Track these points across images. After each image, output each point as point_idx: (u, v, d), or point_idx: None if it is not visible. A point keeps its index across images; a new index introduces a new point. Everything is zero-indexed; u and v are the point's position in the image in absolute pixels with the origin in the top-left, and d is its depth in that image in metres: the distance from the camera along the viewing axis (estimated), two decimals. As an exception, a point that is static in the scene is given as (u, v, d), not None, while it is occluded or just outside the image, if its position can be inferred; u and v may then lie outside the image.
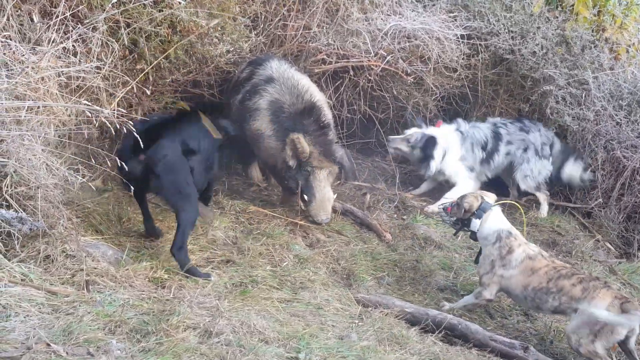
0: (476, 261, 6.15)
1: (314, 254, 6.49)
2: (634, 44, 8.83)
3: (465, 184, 8.06)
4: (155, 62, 6.50)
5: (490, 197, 6.23)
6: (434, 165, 8.06)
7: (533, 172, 8.29)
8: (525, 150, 8.26)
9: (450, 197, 7.60)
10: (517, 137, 8.28)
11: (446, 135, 8.15)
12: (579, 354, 5.53)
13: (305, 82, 7.20)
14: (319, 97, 7.19)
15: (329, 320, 5.30)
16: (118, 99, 6.06)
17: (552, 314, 5.87)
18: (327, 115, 7.14)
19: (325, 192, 6.90)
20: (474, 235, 6.12)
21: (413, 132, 8.16)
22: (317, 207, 6.88)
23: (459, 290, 6.47)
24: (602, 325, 5.38)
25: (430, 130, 8.15)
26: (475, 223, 6.02)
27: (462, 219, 6.12)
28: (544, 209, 8.38)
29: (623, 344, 5.53)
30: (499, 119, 8.48)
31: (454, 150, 8.15)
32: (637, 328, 5.44)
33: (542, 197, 8.40)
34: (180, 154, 5.71)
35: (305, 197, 6.92)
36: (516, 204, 6.93)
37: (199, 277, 5.48)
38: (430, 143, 8.03)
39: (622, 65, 8.62)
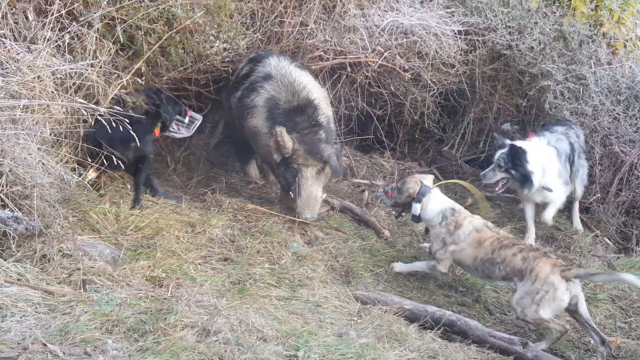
0: (424, 236, 6.52)
1: (312, 251, 6.47)
2: (631, 38, 8.82)
3: (560, 201, 7.56)
4: (148, 53, 6.45)
5: (429, 179, 6.51)
6: (536, 180, 7.23)
7: (585, 175, 7.92)
8: (579, 155, 7.81)
9: (548, 217, 7.49)
10: (577, 144, 7.77)
11: (540, 150, 7.37)
12: (528, 323, 5.77)
13: (303, 79, 7.17)
14: (317, 95, 7.16)
15: (328, 318, 5.28)
16: (111, 97, 6.04)
17: (503, 282, 6.10)
18: (324, 113, 7.10)
19: (311, 191, 6.87)
20: (415, 218, 6.36)
21: (499, 154, 7.32)
22: (302, 205, 6.87)
23: (457, 286, 6.46)
24: (542, 294, 5.57)
25: (519, 143, 7.40)
26: (416, 207, 6.26)
27: (403, 203, 6.40)
28: (579, 221, 8.08)
29: (575, 313, 5.72)
30: (561, 127, 7.82)
31: (553, 166, 7.41)
32: (581, 294, 5.66)
33: (577, 206, 8.09)
34: None
35: (291, 193, 6.95)
36: (460, 182, 6.89)
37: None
38: (517, 156, 7.22)
39: (619, 60, 8.61)
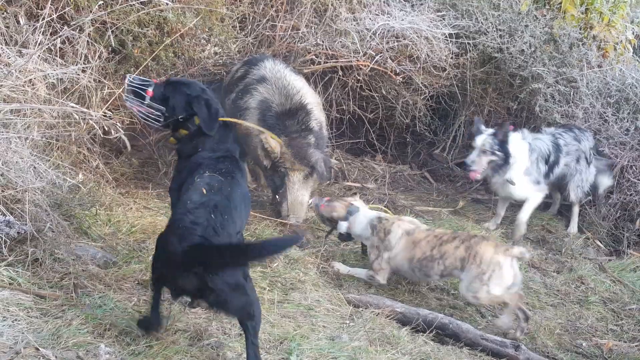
0: (363, 253, 6.49)
1: (304, 254, 6.47)
2: (621, 41, 8.86)
3: (536, 199, 7.70)
4: (144, 64, 6.47)
5: (359, 202, 6.55)
6: (512, 162, 7.39)
7: (583, 182, 7.95)
8: (578, 160, 7.85)
9: (523, 218, 7.59)
10: (573, 148, 7.81)
11: (514, 142, 7.48)
12: (482, 305, 6.06)
13: (298, 84, 7.18)
14: (310, 100, 7.16)
15: (320, 321, 5.29)
16: (108, 104, 6.04)
17: (440, 279, 6.19)
18: (316, 118, 7.09)
19: (297, 195, 6.88)
20: (342, 237, 6.46)
21: (483, 139, 7.37)
22: (288, 209, 6.89)
23: (449, 289, 6.46)
24: (490, 274, 5.72)
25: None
26: (342, 225, 6.33)
27: (330, 221, 6.47)
28: (575, 225, 8.13)
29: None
30: (554, 129, 7.93)
31: (522, 161, 7.52)
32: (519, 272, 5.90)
33: (577, 210, 8.14)
34: None
35: (277, 197, 6.98)
36: (385, 209, 6.89)
37: None
38: (503, 138, 7.33)
39: (610, 62, 8.65)
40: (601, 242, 7.98)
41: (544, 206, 8.30)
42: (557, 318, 6.15)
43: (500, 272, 5.73)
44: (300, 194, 6.90)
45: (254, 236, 6.50)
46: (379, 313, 5.52)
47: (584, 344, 5.87)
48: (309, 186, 6.97)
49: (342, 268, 6.35)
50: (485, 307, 6.29)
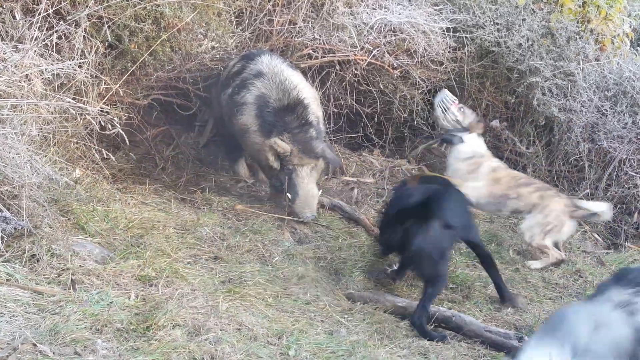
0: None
1: (303, 249, 6.47)
2: (618, 34, 8.83)
3: None
4: (141, 59, 6.46)
5: None
6: None
7: None
8: None
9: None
10: None
11: None
12: (530, 246, 6.94)
13: (295, 79, 7.16)
14: (307, 94, 7.15)
15: (318, 316, 5.29)
16: (105, 99, 6.03)
17: (509, 215, 7.35)
18: (314, 113, 7.09)
19: (308, 189, 6.88)
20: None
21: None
22: (301, 204, 6.86)
23: (447, 283, 6.45)
24: (552, 227, 6.81)
25: None
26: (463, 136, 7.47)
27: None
28: None
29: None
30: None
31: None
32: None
33: None
34: (441, 233, 5.65)
35: (289, 195, 6.90)
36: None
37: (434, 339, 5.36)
38: None
39: (607, 56, 8.62)
40: (599, 235, 7.97)
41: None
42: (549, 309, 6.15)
43: (561, 229, 6.84)
44: (310, 187, 6.91)
45: (252, 231, 6.49)
46: (377, 307, 5.52)
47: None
48: (315, 178, 6.98)
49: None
50: (484, 298, 6.30)
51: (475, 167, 7.22)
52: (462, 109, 7.57)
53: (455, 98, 7.77)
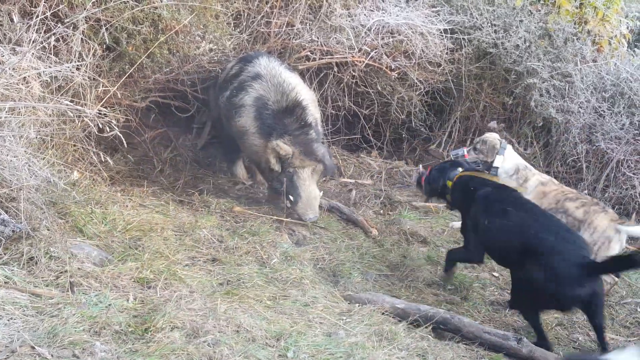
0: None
1: (301, 251, 6.46)
2: (615, 36, 8.86)
3: None
4: (139, 61, 6.46)
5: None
6: None
7: None
8: None
9: None
10: None
11: None
12: None
13: (293, 81, 7.17)
14: (306, 96, 7.15)
15: (317, 318, 5.28)
16: (103, 102, 6.03)
17: None
18: (312, 114, 7.10)
19: (310, 191, 6.88)
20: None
21: None
22: (304, 206, 6.86)
23: (445, 284, 6.47)
24: (599, 245, 6.39)
25: None
26: (499, 159, 7.16)
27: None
28: None
29: None
30: None
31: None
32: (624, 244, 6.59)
33: None
34: None
35: (291, 197, 6.89)
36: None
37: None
38: None
39: (604, 57, 8.66)
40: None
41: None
42: (554, 312, 6.14)
43: (608, 246, 6.41)
44: (312, 189, 6.92)
45: (250, 233, 6.50)
46: (375, 309, 5.52)
47: (580, 338, 5.88)
48: (315, 180, 6.99)
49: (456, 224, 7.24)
50: (483, 300, 6.31)
51: (522, 181, 7.08)
52: (473, 150, 7.35)
53: (461, 148, 7.71)
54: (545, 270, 5.32)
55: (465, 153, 7.25)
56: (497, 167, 7.06)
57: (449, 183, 6.34)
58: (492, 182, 6.19)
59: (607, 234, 6.41)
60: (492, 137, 7.24)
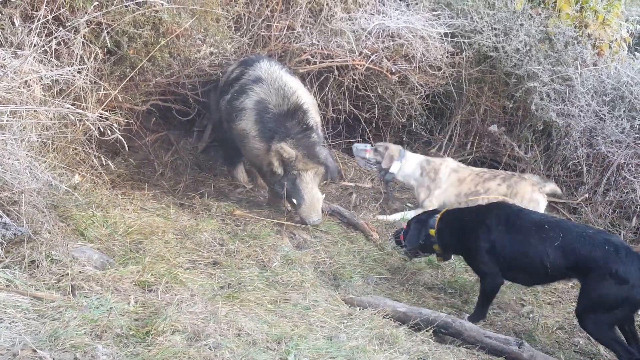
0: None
1: (302, 254, 6.47)
2: (616, 39, 8.87)
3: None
4: (140, 65, 6.47)
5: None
6: None
7: None
8: None
9: None
10: None
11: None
12: None
13: (293, 84, 7.18)
14: (306, 100, 7.16)
15: (318, 321, 5.28)
16: (104, 105, 6.03)
17: None
18: (313, 118, 7.11)
19: (313, 194, 6.89)
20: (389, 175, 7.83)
21: None
22: (308, 209, 6.86)
23: (447, 288, 6.47)
24: (532, 207, 6.91)
25: None
26: (396, 165, 7.71)
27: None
28: None
29: None
30: None
31: None
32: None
33: None
34: None
35: (294, 200, 6.89)
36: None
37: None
38: None
39: (605, 61, 8.66)
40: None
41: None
42: (555, 316, 6.16)
43: (537, 207, 7.07)
44: (315, 192, 6.94)
45: (251, 236, 6.50)
46: (376, 313, 5.51)
47: (581, 342, 5.88)
48: (317, 182, 6.99)
49: (390, 217, 7.56)
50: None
51: (433, 174, 7.52)
52: (376, 150, 7.86)
53: (367, 144, 8.09)
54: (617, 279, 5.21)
55: (368, 149, 7.86)
56: (393, 173, 7.69)
57: (432, 231, 6.15)
58: (479, 207, 6.21)
59: (534, 197, 7.23)
60: (393, 148, 7.81)
